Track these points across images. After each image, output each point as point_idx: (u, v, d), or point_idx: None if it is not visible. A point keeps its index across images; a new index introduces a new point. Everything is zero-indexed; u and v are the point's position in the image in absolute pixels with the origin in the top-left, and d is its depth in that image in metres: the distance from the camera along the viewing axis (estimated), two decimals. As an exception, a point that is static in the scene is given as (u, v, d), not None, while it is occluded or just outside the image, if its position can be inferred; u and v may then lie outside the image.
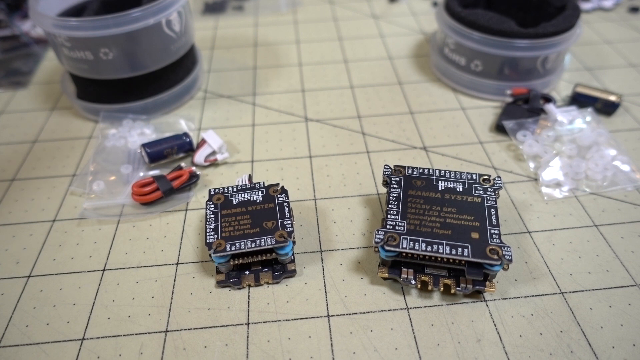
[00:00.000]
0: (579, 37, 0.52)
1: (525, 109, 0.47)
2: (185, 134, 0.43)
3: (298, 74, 0.55)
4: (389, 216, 0.32)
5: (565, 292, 0.33)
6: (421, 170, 0.36)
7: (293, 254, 0.34)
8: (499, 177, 0.35)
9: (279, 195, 0.35)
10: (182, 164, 0.43)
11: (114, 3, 0.50)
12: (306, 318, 0.32)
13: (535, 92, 0.47)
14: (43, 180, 0.43)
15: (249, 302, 0.33)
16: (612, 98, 0.47)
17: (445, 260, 0.31)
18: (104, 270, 0.35)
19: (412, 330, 0.31)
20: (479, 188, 0.34)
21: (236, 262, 0.32)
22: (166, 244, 0.37)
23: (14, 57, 0.60)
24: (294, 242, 0.32)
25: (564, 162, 0.41)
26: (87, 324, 0.32)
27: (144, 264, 0.35)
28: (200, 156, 0.43)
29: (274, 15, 0.68)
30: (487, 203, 0.33)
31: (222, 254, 0.31)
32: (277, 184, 0.36)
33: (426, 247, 0.30)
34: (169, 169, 0.42)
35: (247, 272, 0.34)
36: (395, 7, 0.69)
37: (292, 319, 0.32)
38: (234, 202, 0.35)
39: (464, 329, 0.31)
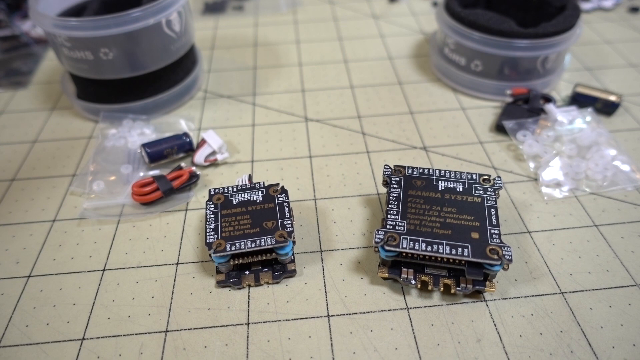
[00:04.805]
0: (579, 37, 0.52)
1: (525, 109, 0.47)
2: (185, 134, 0.43)
3: (298, 74, 0.55)
4: (389, 216, 0.32)
5: (565, 292, 0.33)
6: (421, 170, 0.36)
7: (293, 254, 0.34)
8: (499, 177, 0.35)
9: (279, 195, 0.35)
10: (182, 164, 0.43)
11: (114, 3, 0.50)
12: (306, 318, 0.32)
13: (535, 92, 0.47)
14: (43, 180, 0.43)
15: (249, 302, 0.33)
16: (612, 98, 0.47)
17: (445, 260, 0.31)
18: (104, 270, 0.35)
19: (412, 330, 0.31)
20: (479, 188, 0.34)
21: (236, 262, 0.32)
22: (166, 244, 0.37)
23: (14, 57, 0.60)
24: (294, 242, 0.33)
25: (564, 162, 0.41)
26: (87, 324, 0.32)
27: (144, 264, 0.35)
28: (200, 156, 0.43)
29: (274, 15, 0.68)
30: (487, 203, 0.33)
31: (222, 254, 0.31)
32: (277, 184, 0.36)
33: (426, 247, 0.30)
34: (169, 169, 0.42)
35: (247, 272, 0.34)
36: (395, 7, 0.69)
37: (292, 319, 0.32)
38: (234, 202, 0.35)
39: (464, 329, 0.31)
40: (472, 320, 0.31)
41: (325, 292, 0.33)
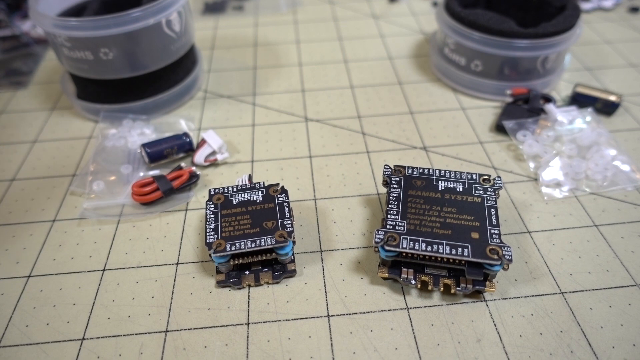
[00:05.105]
0: (579, 37, 0.52)
1: (525, 109, 0.47)
2: (185, 134, 0.43)
3: (298, 74, 0.55)
4: (389, 216, 0.32)
5: (565, 292, 0.33)
6: (421, 170, 0.36)
7: (293, 254, 0.34)
8: (499, 177, 0.35)
9: (279, 195, 0.35)
10: (182, 164, 0.43)
11: (114, 3, 0.50)
12: (306, 318, 0.32)
13: (535, 92, 0.47)
14: (43, 180, 0.43)
15: (249, 302, 0.33)
16: (612, 98, 0.47)
17: (445, 260, 0.31)
18: (104, 270, 0.35)
19: (412, 330, 0.31)
20: (479, 188, 0.34)
21: (236, 262, 0.32)
22: (166, 244, 0.37)
23: (14, 57, 0.60)
24: (294, 242, 0.33)
25: (564, 162, 0.41)
26: (87, 324, 0.32)
27: (144, 264, 0.35)
28: (200, 156, 0.43)
29: (274, 15, 0.68)
30: (487, 203, 0.33)
31: (222, 254, 0.31)
32: (277, 184, 0.36)
33: (426, 247, 0.30)
34: (169, 169, 0.42)
35: (247, 272, 0.34)
36: (395, 7, 0.69)
37: (292, 319, 0.32)
38: (234, 202, 0.35)
39: (464, 329, 0.31)
40: (472, 320, 0.31)
41: (325, 292, 0.33)
